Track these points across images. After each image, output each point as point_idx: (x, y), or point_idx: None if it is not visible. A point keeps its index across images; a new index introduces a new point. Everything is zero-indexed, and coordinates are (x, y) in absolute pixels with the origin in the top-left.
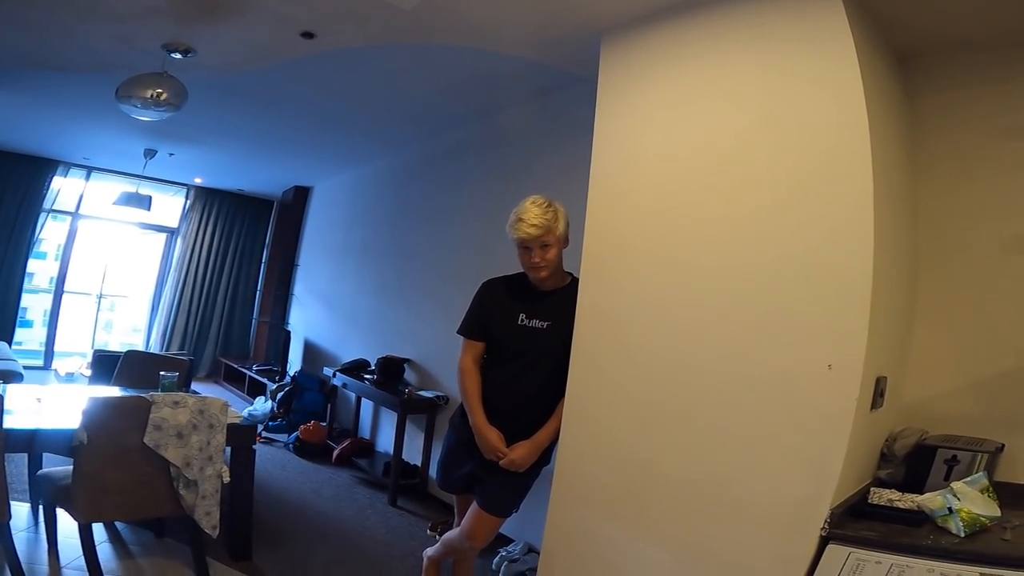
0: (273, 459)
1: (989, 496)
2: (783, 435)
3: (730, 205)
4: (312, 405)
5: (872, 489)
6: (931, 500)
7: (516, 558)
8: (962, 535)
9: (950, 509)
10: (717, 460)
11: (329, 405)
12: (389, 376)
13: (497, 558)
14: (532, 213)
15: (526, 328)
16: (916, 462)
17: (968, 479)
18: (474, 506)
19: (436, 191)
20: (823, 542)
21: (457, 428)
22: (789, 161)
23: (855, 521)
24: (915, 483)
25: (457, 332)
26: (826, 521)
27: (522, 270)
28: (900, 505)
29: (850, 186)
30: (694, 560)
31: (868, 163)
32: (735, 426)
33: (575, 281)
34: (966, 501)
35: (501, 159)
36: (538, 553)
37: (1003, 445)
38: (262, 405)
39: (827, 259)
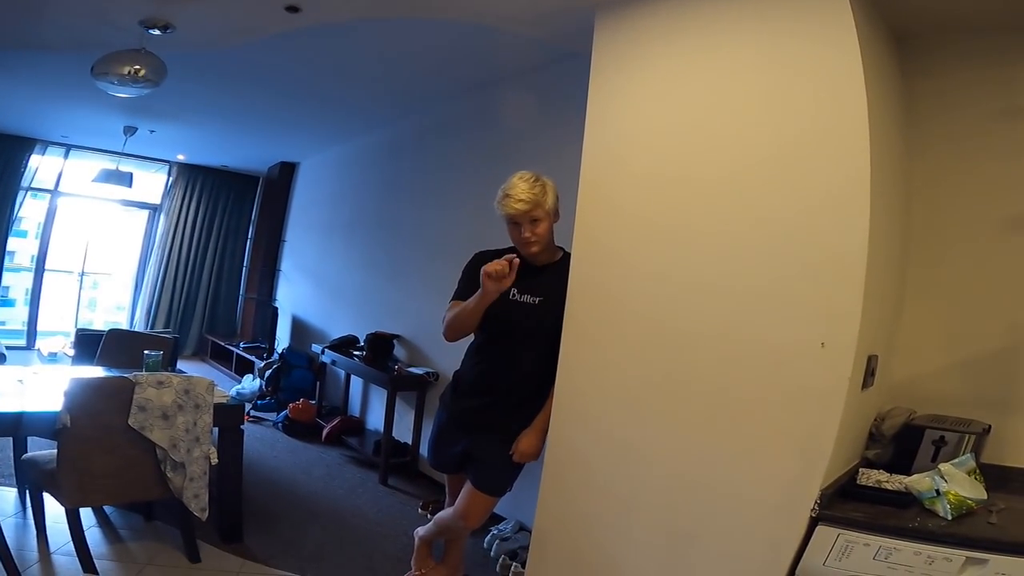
0: (262, 438)
1: (976, 478)
2: (775, 414)
3: (726, 180)
4: (301, 383)
5: (861, 470)
6: (919, 482)
7: (508, 536)
8: (949, 518)
9: (937, 491)
10: (709, 440)
11: (318, 383)
12: (378, 352)
13: (489, 536)
14: (520, 188)
15: (517, 303)
16: (904, 443)
17: (955, 460)
18: (468, 485)
19: (424, 167)
20: (813, 523)
21: (447, 406)
22: (786, 137)
23: (844, 502)
24: (903, 464)
25: (451, 301)
26: (816, 502)
27: (509, 246)
28: (888, 487)
29: (847, 164)
30: (685, 541)
31: (866, 141)
32: (727, 405)
33: (567, 256)
34: (953, 483)
35: (491, 135)
36: (530, 531)
37: (990, 426)
38: (250, 383)
39: (823, 236)
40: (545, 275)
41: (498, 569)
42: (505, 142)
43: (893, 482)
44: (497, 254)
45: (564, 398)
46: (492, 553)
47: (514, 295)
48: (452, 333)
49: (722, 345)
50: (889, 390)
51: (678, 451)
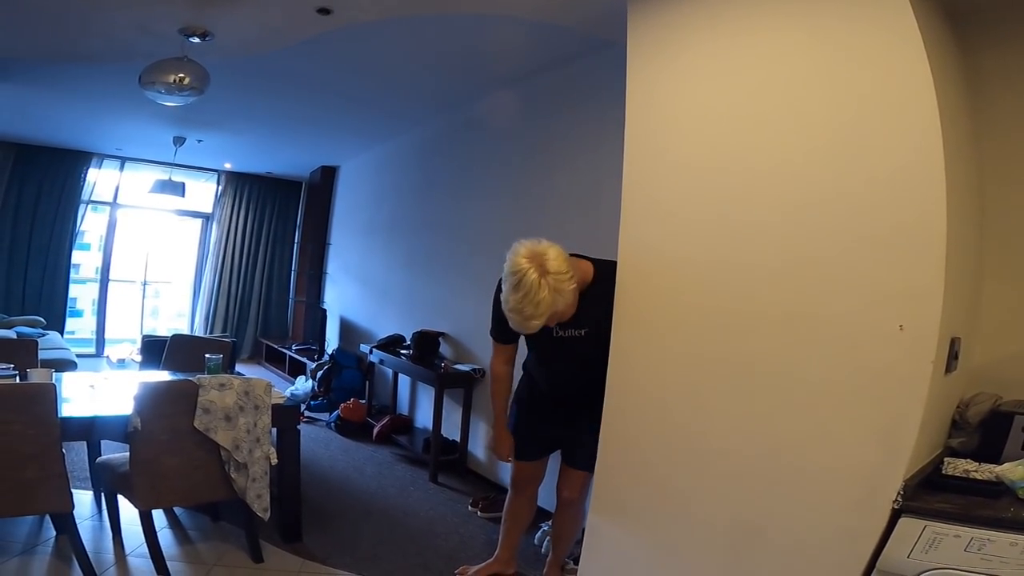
0: (316, 439)
1: None
2: (851, 401)
3: (780, 164)
4: (351, 383)
5: (946, 459)
6: (1011, 471)
7: None
8: None
9: None
10: (776, 429)
11: (367, 382)
12: (425, 350)
13: (539, 532)
14: (527, 308)
15: (562, 339)
16: (991, 430)
17: None
18: (567, 468)
19: (461, 163)
20: (895, 515)
21: (524, 400)
22: (845, 116)
23: (929, 493)
24: (990, 452)
25: (491, 335)
26: (899, 493)
27: None
28: (977, 476)
29: (917, 138)
30: (750, 536)
31: (935, 115)
32: (797, 392)
33: (600, 271)
34: None
35: (527, 129)
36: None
37: None
38: (303, 384)
39: (895, 213)
40: (584, 304)
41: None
42: (541, 135)
43: (982, 471)
44: None
45: (616, 389)
46: (543, 550)
47: (557, 332)
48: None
49: (787, 328)
50: (972, 375)
51: (741, 440)
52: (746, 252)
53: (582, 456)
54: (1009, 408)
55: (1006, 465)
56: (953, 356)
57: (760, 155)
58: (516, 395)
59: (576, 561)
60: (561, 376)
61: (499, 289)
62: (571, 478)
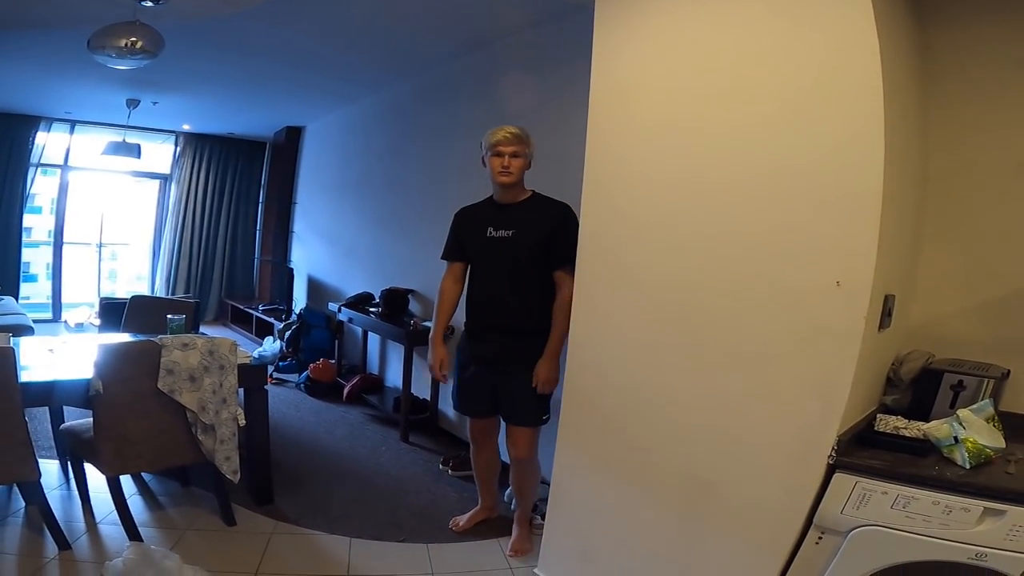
0: (286, 400)
1: (994, 426)
2: (791, 356)
3: (734, 123)
4: (320, 342)
5: (878, 416)
6: (937, 429)
7: None
8: (967, 467)
9: (956, 439)
10: (723, 385)
11: (336, 341)
12: (394, 308)
13: (508, 490)
14: (510, 127)
15: (493, 239)
16: (922, 387)
17: (974, 407)
18: (506, 425)
19: (430, 124)
20: (830, 471)
21: (464, 352)
22: (798, 82)
23: (861, 449)
24: (921, 409)
25: (442, 258)
26: (833, 448)
27: (487, 197)
28: (906, 433)
29: (861, 105)
30: (703, 488)
31: (878, 80)
32: (742, 348)
33: (536, 195)
34: (972, 430)
35: (493, 93)
36: (548, 484)
37: (1009, 371)
38: (271, 345)
39: (836, 176)
40: (515, 210)
41: None
42: (507, 99)
43: (911, 428)
44: (474, 206)
45: (577, 347)
46: (512, 507)
47: (490, 232)
48: None
49: (735, 288)
50: (909, 333)
51: (694, 397)
52: (696, 214)
53: (521, 413)
54: (940, 366)
55: (933, 423)
56: (887, 313)
57: (715, 121)
58: (457, 349)
59: (543, 516)
60: (494, 283)
61: (455, 214)
62: (514, 435)
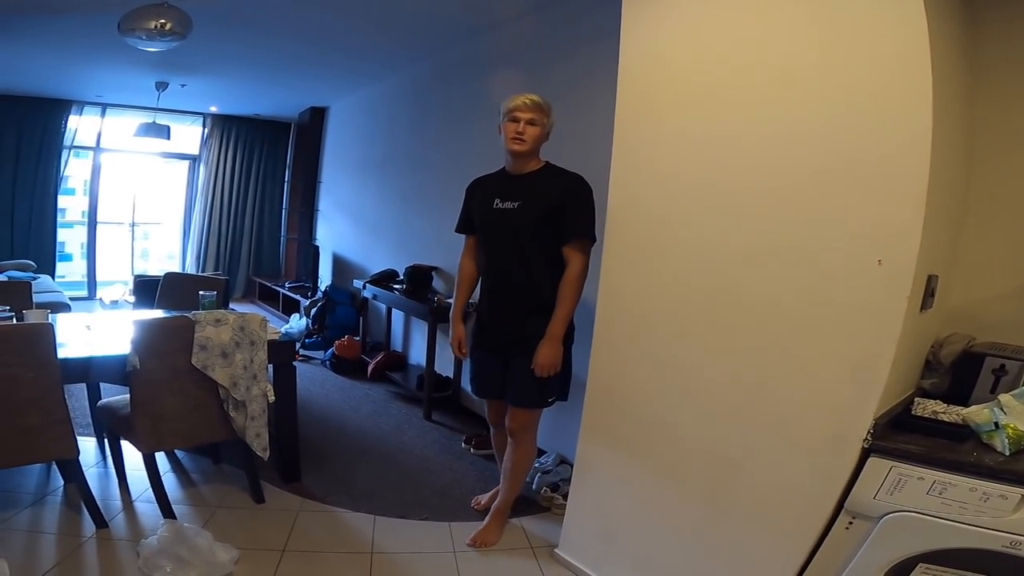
0: (312, 377)
1: None
2: (828, 335)
3: (771, 98)
4: (345, 319)
5: (916, 400)
6: (977, 414)
7: (549, 469)
8: (1007, 453)
9: (996, 424)
10: (755, 362)
11: (361, 318)
12: (417, 285)
13: (538, 478)
14: (530, 94)
15: (499, 210)
16: (962, 371)
17: (1015, 392)
18: (509, 408)
19: (451, 102)
20: (865, 454)
21: (476, 335)
22: (839, 56)
23: (898, 433)
24: (960, 394)
25: (456, 230)
26: (869, 432)
27: (502, 167)
28: (945, 418)
29: (908, 81)
30: (729, 469)
31: (927, 58)
32: (776, 326)
33: (549, 165)
34: (1012, 416)
35: (517, 68)
36: (570, 464)
37: None
38: (297, 322)
39: (879, 150)
40: (525, 181)
41: (540, 501)
42: (534, 74)
43: (950, 413)
44: (487, 176)
45: (604, 323)
46: (534, 486)
47: (497, 203)
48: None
49: (771, 261)
50: (948, 315)
51: (724, 375)
52: (734, 186)
53: (521, 393)
54: (981, 349)
55: (973, 408)
56: (929, 293)
57: (752, 91)
58: (471, 329)
59: (565, 497)
60: (498, 257)
61: (468, 186)
62: (513, 412)
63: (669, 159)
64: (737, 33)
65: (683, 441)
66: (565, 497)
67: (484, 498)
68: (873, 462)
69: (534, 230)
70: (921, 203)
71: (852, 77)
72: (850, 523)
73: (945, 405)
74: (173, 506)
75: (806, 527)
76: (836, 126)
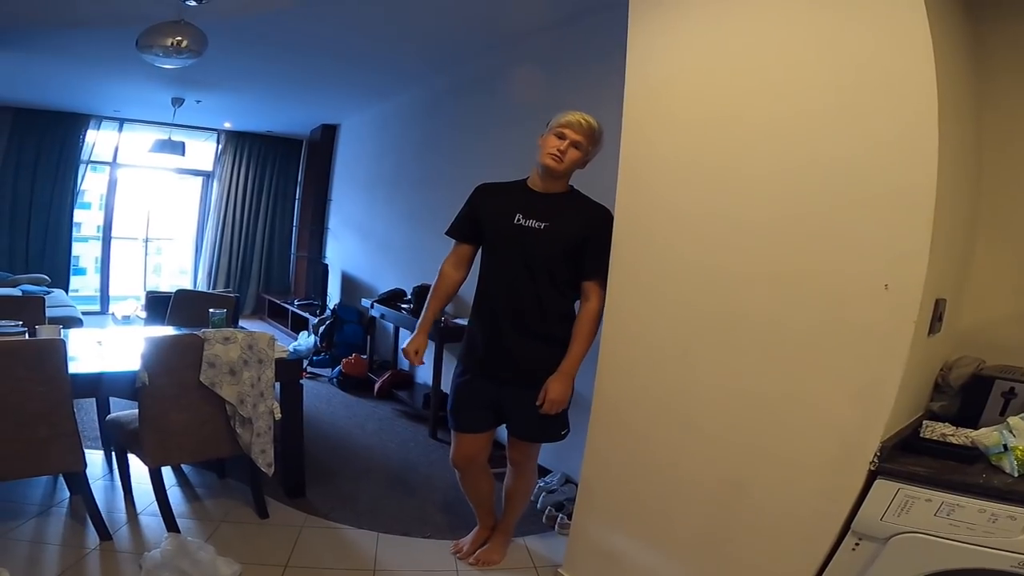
0: (319, 394)
1: None
2: (833, 359)
3: (775, 121)
4: (352, 338)
5: (925, 422)
6: (986, 436)
7: (554, 488)
8: (1015, 475)
9: (1005, 446)
10: (760, 385)
11: (368, 337)
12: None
13: (542, 497)
14: (588, 116)
15: (522, 227)
16: (971, 394)
17: None
18: (512, 439)
19: (462, 120)
20: (871, 476)
21: (465, 361)
22: (843, 74)
23: (905, 456)
24: (969, 417)
25: (446, 232)
26: (876, 455)
27: (517, 179)
28: (953, 440)
29: (914, 105)
30: (734, 492)
31: (932, 75)
32: (782, 349)
33: (575, 191)
34: (1021, 438)
35: (526, 88)
36: (575, 484)
37: None
38: (305, 340)
39: (885, 173)
40: (552, 201)
41: (544, 521)
42: (541, 94)
43: (959, 436)
44: (501, 185)
45: (609, 348)
46: (538, 505)
47: (519, 219)
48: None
49: (776, 287)
50: (957, 338)
51: (727, 399)
52: (739, 208)
53: (538, 430)
54: (990, 372)
55: (982, 430)
56: (937, 318)
57: (758, 114)
58: (458, 355)
59: (570, 516)
60: (514, 277)
61: (476, 189)
62: (516, 445)
63: (673, 182)
64: (741, 59)
65: (688, 463)
66: (569, 516)
67: (466, 543)
68: (880, 484)
69: (561, 255)
70: (928, 227)
71: (856, 101)
72: (856, 544)
73: (954, 428)
74: (177, 520)
75: (812, 549)
76: (841, 150)
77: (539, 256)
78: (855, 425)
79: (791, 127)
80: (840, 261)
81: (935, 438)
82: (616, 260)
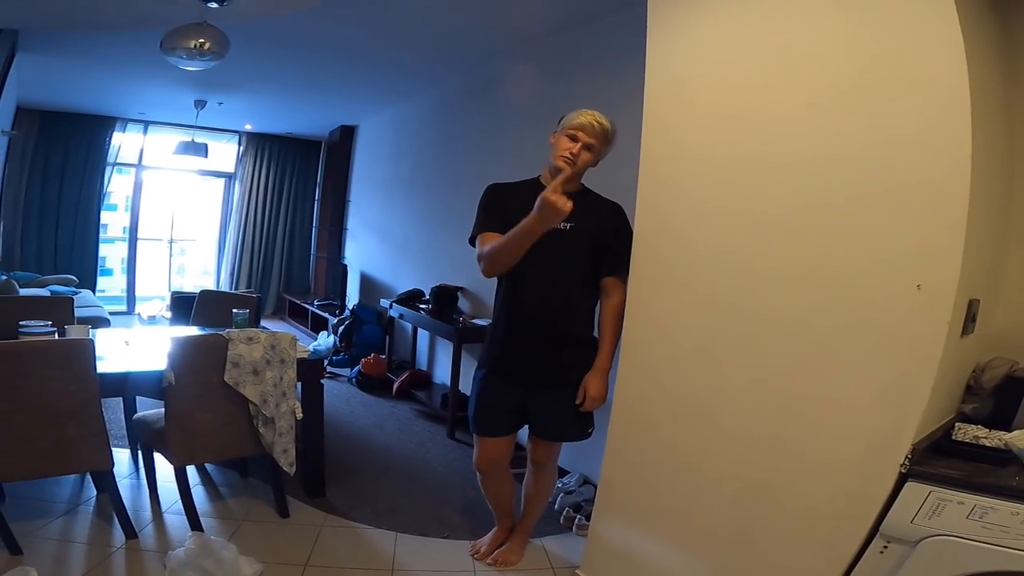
0: (338, 394)
1: None
2: (863, 360)
3: (801, 117)
4: (371, 338)
5: (957, 425)
6: (1019, 438)
7: (572, 490)
8: None
9: None
10: (786, 387)
11: (387, 337)
12: (443, 305)
13: (560, 497)
14: (602, 116)
15: (551, 230)
16: (1005, 396)
17: None
18: (536, 439)
19: (478, 122)
20: (902, 479)
21: (488, 363)
22: (873, 72)
23: (937, 458)
24: (1002, 419)
25: (470, 240)
26: (907, 457)
27: (526, 179)
28: (986, 443)
29: (945, 101)
30: (758, 493)
31: (964, 74)
32: (809, 350)
33: (587, 189)
34: None
35: (544, 86)
36: (594, 485)
37: None
38: (325, 340)
39: (916, 171)
40: (574, 200)
41: (562, 522)
42: (560, 93)
43: (992, 438)
44: (512, 185)
45: (630, 349)
46: (556, 506)
47: None
48: (495, 265)
49: (803, 285)
50: (991, 339)
51: (751, 401)
52: (765, 205)
53: (566, 429)
54: None
55: (1016, 432)
56: (970, 318)
57: (783, 110)
58: (480, 359)
59: (588, 518)
60: (543, 280)
61: (489, 189)
62: (541, 445)
63: (696, 179)
64: (766, 55)
65: (710, 464)
66: (588, 518)
67: (484, 544)
68: (911, 487)
69: (586, 255)
70: (962, 225)
71: (887, 96)
72: (885, 547)
73: (987, 430)
74: (201, 518)
75: (838, 552)
76: (871, 146)
77: (568, 257)
78: (885, 427)
79: (817, 122)
80: (870, 260)
81: (968, 440)
82: (638, 258)
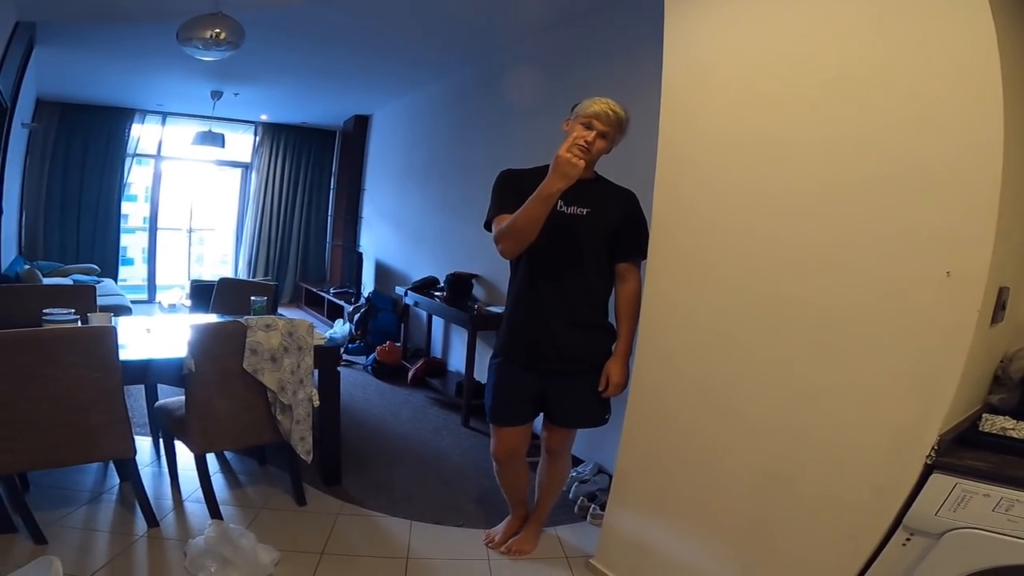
0: (354, 382)
1: None
2: (889, 349)
3: (825, 102)
4: (386, 325)
5: (984, 416)
6: None
7: (586, 479)
8: None
9: None
10: (809, 376)
11: (402, 325)
12: (458, 292)
13: (574, 487)
14: (616, 105)
15: (565, 215)
16: None
17: None
18: (551, 425)
19: (491, 111)
20: (927, 471)
21: (507, 352)
22: (900, 59)
23: (963, 450)
24: None
25: (485, 224)
26: (933, 448)
27: (537, 166)
28: (1014, 435)
29: (976, 82)
30: (780, 485)
31: (996, 58)
32: (834, 339)
33: (600, 176)
34: None
35: (559, 75)
36: (608, 474)
37: None
38: (341, 328)
39: (946, 157)
40: (585, 188)
41: (576, 511)
42: (571, 82)
43: (1020, 430)
44: (526, 172)
45: (649, 335)
46: (571, 495)
47: (561, 207)
48: (514, 240)
49: (827, 271)
50: (1018, 328)
51: (773, 391)
52: (789, 189)
53: (585, 415)
54: None
55: None
56: (1000, 306)
57: (807, 96)
58: (496, 346)
59: (602, 507)
60: (560, 266)
61: (504, 174)
62: (557, 432)
63: (717, 162)
64: (792, 35)
65: (729, 454)
66: (602, 507)
67: (498, 533)
68: (936, 478)
69: (602, 241)
70: (993, 211)
71: (917, 80)
72: (908, 539)
73: (1015, 421)
74: (220, 506)
75: (859, 543)
76: (900, 130)
77: (585, 243)
78: (911, 417)
79: (845, 106)
80: (898, 246)
81: (995, 432)
82: (657, 243)
